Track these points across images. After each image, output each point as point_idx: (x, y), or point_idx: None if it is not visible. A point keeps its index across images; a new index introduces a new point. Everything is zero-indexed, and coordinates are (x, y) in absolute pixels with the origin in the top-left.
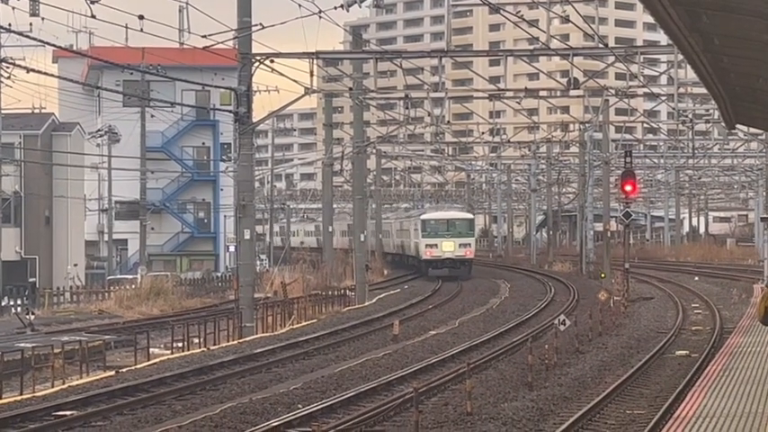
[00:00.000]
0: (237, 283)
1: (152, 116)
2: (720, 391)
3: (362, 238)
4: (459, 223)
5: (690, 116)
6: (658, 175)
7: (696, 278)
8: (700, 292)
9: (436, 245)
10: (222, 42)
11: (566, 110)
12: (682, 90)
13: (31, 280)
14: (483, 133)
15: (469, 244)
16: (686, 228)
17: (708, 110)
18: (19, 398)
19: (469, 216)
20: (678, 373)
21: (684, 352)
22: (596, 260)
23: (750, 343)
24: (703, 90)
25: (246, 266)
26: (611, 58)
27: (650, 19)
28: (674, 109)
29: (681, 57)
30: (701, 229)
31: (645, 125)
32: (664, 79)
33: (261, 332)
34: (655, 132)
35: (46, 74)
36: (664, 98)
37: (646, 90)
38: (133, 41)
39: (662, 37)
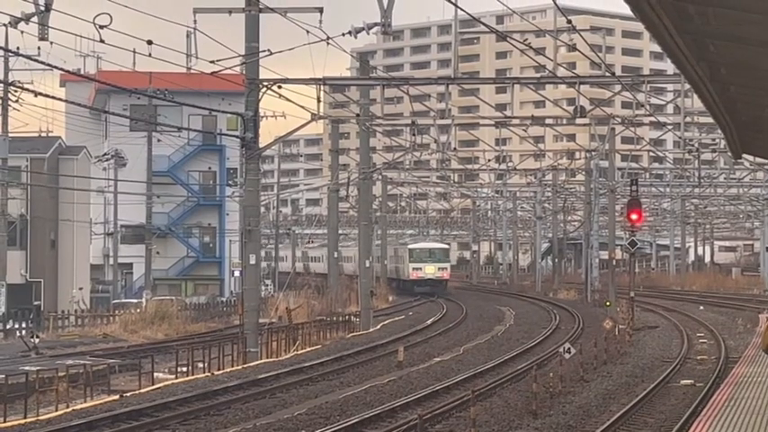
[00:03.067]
0: (242, 307)
1: (159, 140)
2: (725, 421)
3: (367, 264)
4: (438, 252)
5: (696, 145)
6: (664, 203)
7: (701, 307)
8: (705, 322)
9: (420, 268)
10: (229, 68)
11: (572, 138)
12: (688, 119)
13: (35, 303)
14: (489, 160)
15: (446, 267)
16: (692, 257)
17: (714, 139)
18: (23, 421)
19: (446, 246)
20: (683, 403)
21: (689, 381)
22: (601, 288)
23: (755, 373)
24: (710, 119)
25: (251, 291)
26: (618, 87)
27: (657, 48)
28: (680, 138)
29: (687, 86)
30: (707, 258)
31: (651, 154)
32: (670, 108)
33: (265, 357)
34: (661, 161)
35: (53, 98)
36: (670, 127)
37: (652, 119)
38: (141, 66)
39: (668, 66)
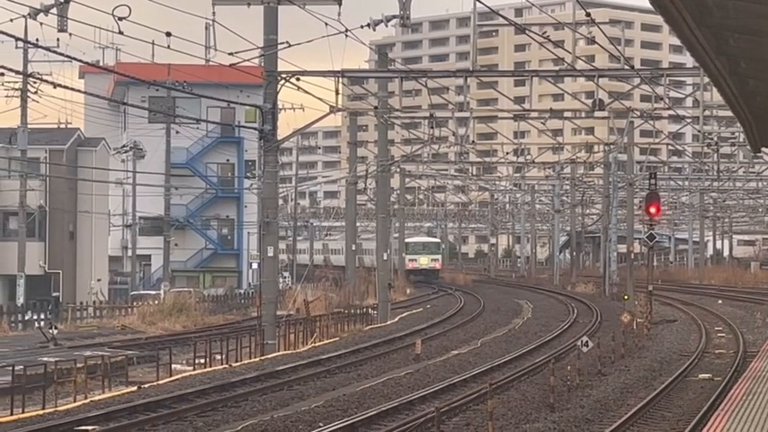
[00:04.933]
0: (260, 300)
1: (177, 132)
2: (743, 415)
3: (385, 257)
4: (431, 245)
5: (715, 139)
6: (683, 197)
7: (720, 301)
8: (723, 316)
9: (416, 259)
10: (248, 60)
11: (590, 131)
12: (707, 112)
13: (54, 294)
14: (507, 153)
15: (438, 259)
16: (710, 250)
17: (733, 132)
18: (41, 412)
19: (438, 240)
20: (701, 397)
21: (707, 375)
22: (619, 282)
23: None
24: (729, 113)
25: (269, 283)
26: (637, 80)
27: (676, 41)
28: (699, 131)
29: (707, 79)
30: (725, 252)
31: (670, 147)
32: (689, 101)
33: (283, 350)
34: (679, 154)
35: (72, 89)
36: (689, 120)
37: (671, 112)
38: (159, 58)
39: (688, 59)
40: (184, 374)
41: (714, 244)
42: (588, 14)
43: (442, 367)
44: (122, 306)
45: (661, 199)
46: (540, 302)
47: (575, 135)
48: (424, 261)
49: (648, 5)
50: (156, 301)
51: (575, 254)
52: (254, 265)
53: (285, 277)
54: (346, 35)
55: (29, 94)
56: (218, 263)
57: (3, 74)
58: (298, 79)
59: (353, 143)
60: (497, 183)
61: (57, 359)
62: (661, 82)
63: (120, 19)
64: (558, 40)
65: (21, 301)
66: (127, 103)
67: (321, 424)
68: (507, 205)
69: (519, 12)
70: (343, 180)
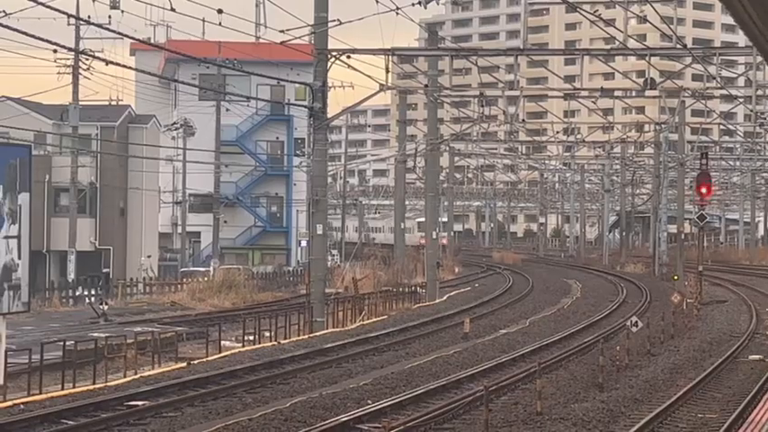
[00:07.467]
0: (309, 277)
1: (227, 110)
2: None
3: (434, 236)
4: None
5: (767, 118)
6: (734, 177)
7: None
8: None
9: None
10: (299, 38)
11: (641, 110)
12: (759, 92)
13: (105, 270)
14: (557, 132)
15: (445, 236)
16: (761, 231)
17: None
18: (92, 387)
19: (445, 220)
20: (751, 378)
21: (758, 356)
22: (669, 262)
23: None
24: None
25: (318, 261)
26: (689, 59)
27: (729, 20)
28: (751, 111)
29: (759, 58)
30: None
31: (721, 127)
32: (741, 81)
33: (331, 327)
34: (731, 134)
35: (124, 66)
36: (741, 100)
37: (723, 91)
38: (210, 35)
39: (740, 38)
40: (233, 351)
41: (765, 224)
42: None
43: (490, 346)
44: (172, 282)
45: (712, 179)
46: (590, 282)
47: (625, 114)
48: None
49: None
50: (206, 278)
51: (624, 234)
52: (303, 243)
53: (334, 255)
54: (397, 13)
55: (80, 70)
56: (267, 240)
57: (55, 50)
58: (348, 57)
59: (403, 121)
60: (547, 162)
61: (107, 335)
62: (713, 61)
63: None
64: (610, 19)
65: (72, 276)
66: (177, 80)
67: (369, 402)
68: (557, 184)
69: None
70: (393, 158)
